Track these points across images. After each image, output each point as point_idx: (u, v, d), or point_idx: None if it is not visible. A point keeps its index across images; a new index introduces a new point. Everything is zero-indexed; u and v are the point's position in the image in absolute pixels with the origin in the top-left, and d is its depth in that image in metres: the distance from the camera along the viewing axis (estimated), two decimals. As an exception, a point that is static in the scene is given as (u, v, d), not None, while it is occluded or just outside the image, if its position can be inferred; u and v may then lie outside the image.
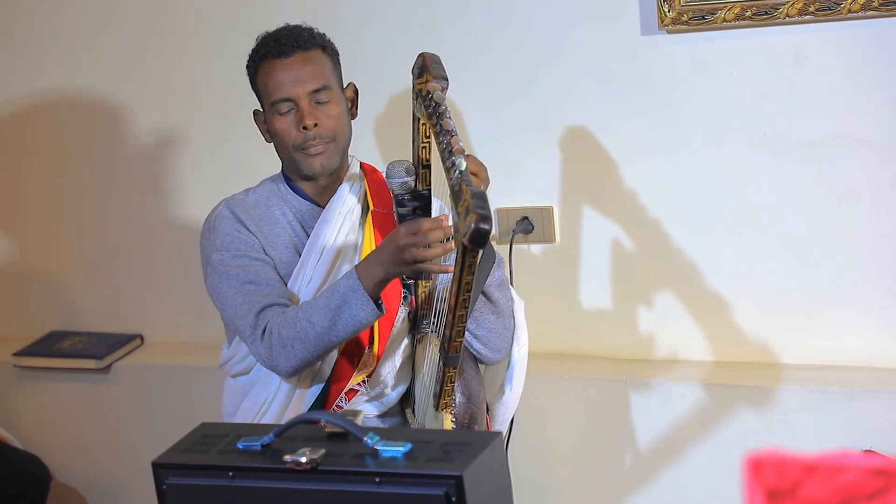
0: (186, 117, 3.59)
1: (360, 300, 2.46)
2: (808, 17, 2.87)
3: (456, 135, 2.24)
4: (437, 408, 2.47)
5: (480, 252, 2.13)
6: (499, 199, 3.28)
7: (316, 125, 2.62)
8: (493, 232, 3.27)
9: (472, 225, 2.02)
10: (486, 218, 2.03)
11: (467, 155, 2.45)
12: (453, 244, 2.34)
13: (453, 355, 2.34)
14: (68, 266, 3.87)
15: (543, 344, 3.30)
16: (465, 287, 2.18)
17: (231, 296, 2.63)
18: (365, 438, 1.80)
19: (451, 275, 2.26)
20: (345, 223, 2.69)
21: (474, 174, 2.44)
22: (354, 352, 2.66)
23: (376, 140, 3.34)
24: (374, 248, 2.65)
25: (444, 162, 2.22)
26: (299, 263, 2.67)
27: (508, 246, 3.22)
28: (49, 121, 3.77)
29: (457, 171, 2.15)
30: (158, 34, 3.57)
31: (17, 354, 3.82)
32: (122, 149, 3.70)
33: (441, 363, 2.38)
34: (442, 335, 2.38)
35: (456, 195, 2.12)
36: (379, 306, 2.48)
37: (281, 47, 2.64)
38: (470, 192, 2.07)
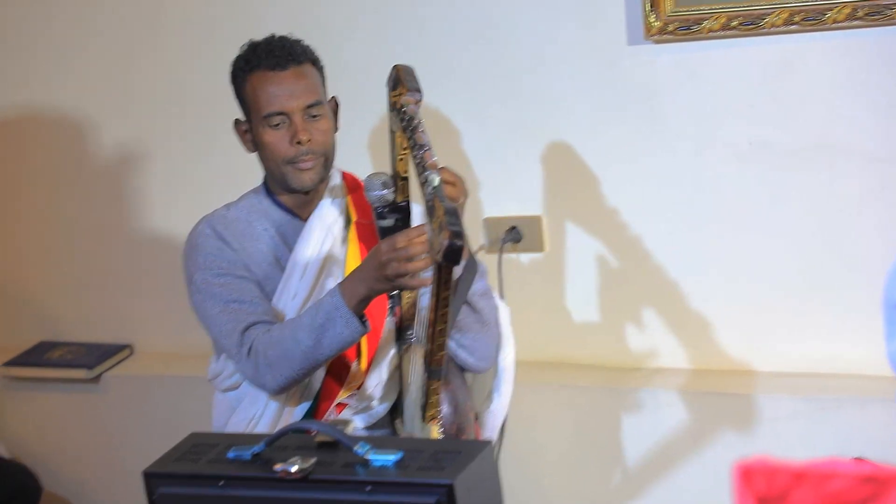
0: (172, 128, 3.59)
1: (345, 318, 2.45)
2: (793, 27, 2.88)
3: (430, 149, 2.22)
4: (423, 419, 2.46)
5: (455, 268, 2.13)
6: (487, 208, 3.29)
7: (309, 140, 2.61)
8: (483, 242, 3.29)
9: (445, 242, 2.03)
10: (459, 234, 2.03)
11: (442, 167, 2.45)
12: (432, 259, 2.34)
13: (436, 368, 2.35)
14: (57, 276, 3.86)
15: (533, 352, 3.30)
16: (442, 302, 2.19)
17: (216, 315, 2.62)
18: (356, 447, 1.81)
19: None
20: (327, 237, 2.68)
21: (451, 184, 2.44)
22: (342, 366, 2.65)
23: (368, 151, 3.34)
24: (358, 260, 2.65)
25: (418, 177, 2.22)
26: (283, 279, 2.66)
27: (497, 255, 3.23)
28: (35, 133, 3.76)
29: (430, 188, 2.14)
30: (143, 45, 3.57)
31: (6, 365, 3.81)
32: (109, 159, 3.70)
33: (425, 376, 2.39)
34: (425, 347, 2.38)
35: (430, 211, 2.12)
36: (363, 323, 2.48)
37: (276, 59, 2.61)
38: (443, 208, 2.07)
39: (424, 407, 2.44)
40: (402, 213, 2.50)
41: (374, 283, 2.42)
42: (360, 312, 2.47)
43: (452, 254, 2.04)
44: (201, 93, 3.49)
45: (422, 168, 2.19)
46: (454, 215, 2.06)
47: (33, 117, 3.76)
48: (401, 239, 2.37)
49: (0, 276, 3.95)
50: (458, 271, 2.49)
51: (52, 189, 3.80)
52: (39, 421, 3.83)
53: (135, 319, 3.80)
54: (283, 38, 2.67)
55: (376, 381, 2.66)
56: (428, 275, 2.37)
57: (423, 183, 2.17)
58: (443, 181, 2.20)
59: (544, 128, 3.19)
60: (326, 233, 2.68)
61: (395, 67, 2.45)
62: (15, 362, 3.81)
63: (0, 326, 3.98)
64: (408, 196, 2.51)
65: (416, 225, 2.45)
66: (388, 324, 2.68)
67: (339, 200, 2.72)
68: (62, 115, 3.72)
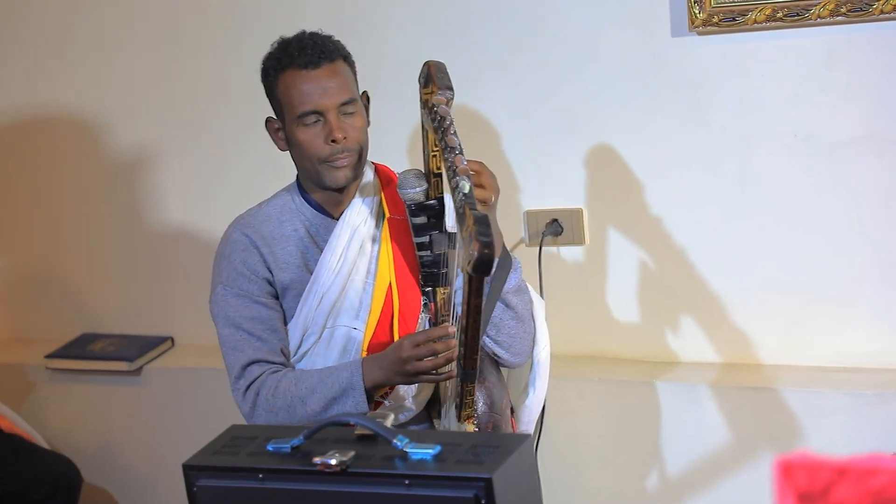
0: (215, 117, 3.60)
1: (357, 399, 2.51)
2: (839, 17, 2.85)
3: (460, 153, 2.22)
4: (459, 419, 2.47)
5: (486, 278, 2.12)
6: (528, 201, 3.28)
7: (345, 138, 2.58)
8: (523, 234, 3.28)
9: (475, 253, 2.02)
10: (489, 244, 2.02)
11: (476, 163, 2.44)
12: (455, 354, 2.39)
13: (470, 371, 2.35)
14: (99, 269, 3.89)
15: (572, 346, 3.29)
16: (474, 310, 2.18)
17: (224, 335, 2.66)
18: (394, 441, 1.80)
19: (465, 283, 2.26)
20: (356, 236, 2.67)
21: (481, 186, 2.44)
22: None
23: (408, 145, 3.34)
24: (390, 259, 2.66)
25: (448, 181, 2.21)
26: (311, 280, 2.65)
27: (538, 248, 3.22)
28: (73, 126, 3.78)
29: (460, 194, 2.14)
30: (187, 36, 3.58)
31: (49, 357, 3.84)
32: (147, 154, 3.72)
33: (458, 379, 2.39)
34: (457, 350, 2.39)
35: (460, 218, 2.12)
36: (371, 404, 2.54)
37: (307, 57, 2.58)
38: (473, 217, 2.06)
39: (459, 407, 2.44)
40: (434, 210, 2.50)
41: (393, 376, 2.50)
42: (372, 394, 2.54)
43: (483, 265, 2.03)
44: (245, 84, 3.49)
45: (452, 173, 2.18)
46: (484, 224, 2.05)
47: (70, 115, 3.78)
48: (421, 338, 2.43)
49: (43, 269, 3.97)
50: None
51: (93, 184, 3.82)
52: (81, 412, 3.86)
53: (176, 312, 3.81)
54: (313, 35, 2.64)
55: None
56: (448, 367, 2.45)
57: (454, 188, 2.16)
58: (474, 183, 2.20)
59: (587, 120, 3.18)
60: (355, 232, 2.67)
61: (427, 64, 2.44)
62: (57, 354, 3.84)
63: (43, 319, 4.01)
64: (441, 192, 2.51)
65: (441, 326, 2.48)
66: (422, 320, 2.67)
67: (370, 199, 2.70)
68: (98, 112, 3.74)
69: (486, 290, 2.22)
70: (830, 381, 3.03)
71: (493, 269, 2.15)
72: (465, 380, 2.37)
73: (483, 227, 2.04)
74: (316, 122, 2.59)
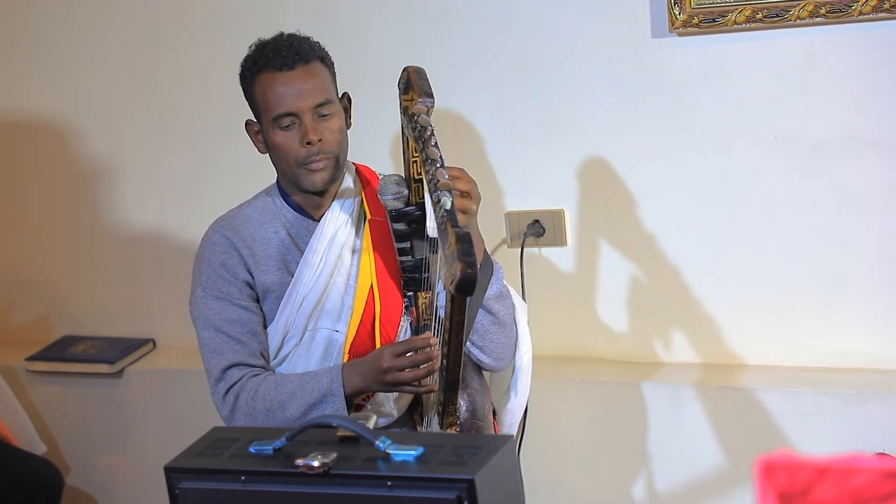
0: (196, 119, 3.60)
1: (337, 405, 2.51)
2: (819, 19, 2.86)
3: (441, 165, 2.19)
4: (441, 426, 2.46)
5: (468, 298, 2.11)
6: (510, 202, 3.28)
7: (320, 140, 2.57)
8: (505, 236, 3.29)
9: (458, 273, 2.00)
10: (472, 264, 2.00)
11: (457, 169, 2.43)
12: (436, 365, 2.39)
13: (452, 382, 2.34)
14: (81, 271, 3.88)
15: (555, 347, 3.30)
16: (456, 326, 2.17)
17: (204, 337, 2.66)
18: (377, 442, 1.80)
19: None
20: (336, 238, 2.66)
21: (465, 194, 2.43)
22: None
23: (390, 147, 3.34)
24: (371, 258, 2.65)
25: (430, 194, 2.20)
26: (292, 282, 2.64)
27: (520, 249, 3.22)
28: (54, 129, 3.77)
29: (442, 210, 2.12)
30: (167, 39, 3.58)
31: (29, 359, 3.83)
32: (131, 155, 3.71)
33: (441, 389, 2.38)
34: (439, 362, 2.38)
35: (442, 235, 2.10)
36: (350, 409, 2.54)
37: (282, 59, 2.56)
38: (455, 235, 2.04)
39: (442, 415, 2.44)
40: (414, 217, 2.50)
41: (373, 384, 2.50)
42: (351, 400, 2.54)
43: (466, 286, 2.01)
44: (226, 83, 3.48)
45: (434, 186, 2.16)
46: (467, 243, 2.02)
47: (50, 118, 3.77)
48: (402, 348, 2.43)
49: (24, 272, 3.96)
50: None
51: (74, 186, 3.81)
52: (62, 415, 3.85)
53: (157, 314, 3.81)
54: (290, 37, 2.62)
55: None
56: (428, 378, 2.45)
57: (436, 203, 2.15)
58: (456, 193, 2.18)
59: (568, 121, 3.18)
60: (335, 235, 2.66)
61: (407, 70, 2.42)
62: (38, 356, 3.83)
63: (24, 321, 3.99)
64: (422, 198, 2.49)
65: (422, 335, 2.48)
66: (404, 324, 2.66)
67: (350, 200, 2.69)
68: (78, 114, 3.73)
69: (468, 305, 2.21)
70: (812, 381, 3.04)
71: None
72: (447, 390, 2.36)
73: (465, 247, 2.02)
74: (291, 124, 2.58)
